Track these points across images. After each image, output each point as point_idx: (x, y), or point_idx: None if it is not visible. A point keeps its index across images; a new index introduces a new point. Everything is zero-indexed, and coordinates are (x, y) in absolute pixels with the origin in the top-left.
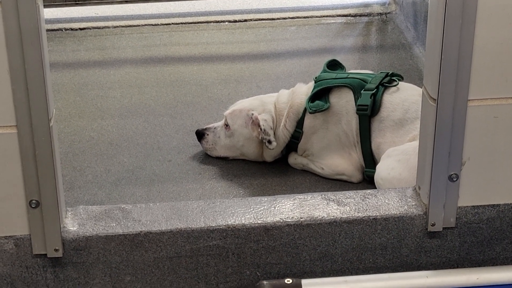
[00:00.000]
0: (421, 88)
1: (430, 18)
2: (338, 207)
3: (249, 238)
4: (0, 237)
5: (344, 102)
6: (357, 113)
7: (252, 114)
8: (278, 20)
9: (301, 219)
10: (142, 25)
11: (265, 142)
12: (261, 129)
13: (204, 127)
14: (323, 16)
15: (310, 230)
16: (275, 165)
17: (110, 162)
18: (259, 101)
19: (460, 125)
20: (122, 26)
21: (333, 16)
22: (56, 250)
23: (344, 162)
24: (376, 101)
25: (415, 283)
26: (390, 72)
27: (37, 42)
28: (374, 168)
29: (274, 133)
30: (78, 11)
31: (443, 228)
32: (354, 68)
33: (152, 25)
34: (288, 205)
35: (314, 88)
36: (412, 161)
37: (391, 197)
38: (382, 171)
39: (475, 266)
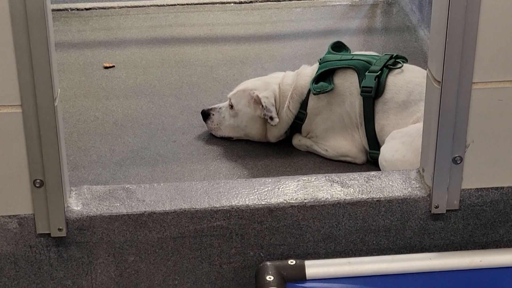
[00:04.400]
0: (426, 70)
1: (435, 1)
2: (342, 188)
3: (252, 219)
4: (4, 216)
5: (348, 84)
6: (361, 95)
7: (254, 93)
8: (283, 2)
9: (305, 201)
10: (148, 6)
11: (267, 119)
12: (262, 106)
13: (210, 107)
14: None
15: (313, 211)
16: (279, 146)
17: (114, 142)
18: (263, 82)
19: (464, 108)
20: (128, 7)
21: None
22: (60, 229)
23: (348, 144)
24: (380, 83)
25: (418, 265)
26: (395, 54)
27: (42, 21)
28: (378, 150)
29: (278, 113)
30: None
31: (446, 210)
32: (359, 50)
33: (158, 5)
34: (292, 187)
35: (318, 70)
36: (416, 143)
37: (395, 179)
38: (386, 153)
39: (479, 249)
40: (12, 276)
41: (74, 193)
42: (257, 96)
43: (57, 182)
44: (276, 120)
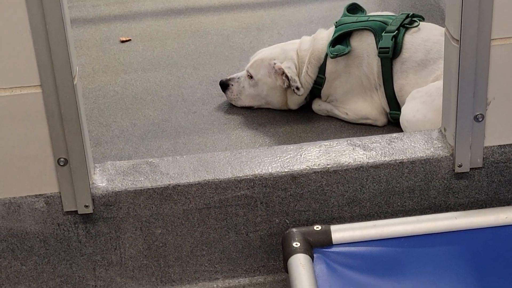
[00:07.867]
0: (443, 28)
1: None
2: (364, 152)
3: (276, 186)
4: (31, 196)
5: (365, 45)
6: (378, 55)
7: (274, 63)
8: None
9: (328, 166)
10: None
11: (293, 89)
12: (287, 77)
13: (228, 78)
14: None
15: (337, 176)
16: (299, 112)
17: (135, 116)
18: (280, 49)
19: (484, 65)
20: None
21: None
22: (86, 206)
23: (368, 106)
24: (397, 43)
25: (444, 225)
26: (411, 13)
27: None
28: (398, 110)
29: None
30: None
31: (470, 168)
32: (375, 11)
33: None
34: (314, 152)
35: (334, 33)
36: (436, 102)
37: (417, 140)
38: (407, 113)
39: (504, 205)
40: (42, 254)
41: (98, 169)
42: (279, 67)
43: (81, 159)
44: (302, 90)
